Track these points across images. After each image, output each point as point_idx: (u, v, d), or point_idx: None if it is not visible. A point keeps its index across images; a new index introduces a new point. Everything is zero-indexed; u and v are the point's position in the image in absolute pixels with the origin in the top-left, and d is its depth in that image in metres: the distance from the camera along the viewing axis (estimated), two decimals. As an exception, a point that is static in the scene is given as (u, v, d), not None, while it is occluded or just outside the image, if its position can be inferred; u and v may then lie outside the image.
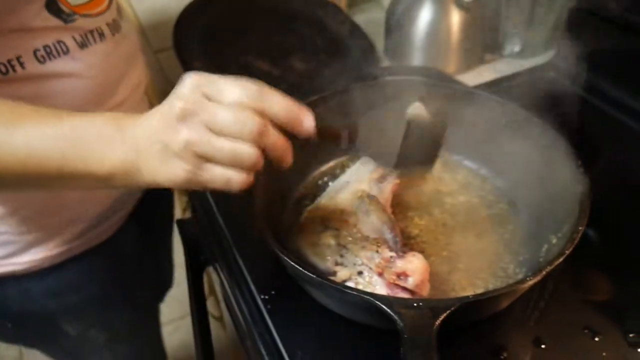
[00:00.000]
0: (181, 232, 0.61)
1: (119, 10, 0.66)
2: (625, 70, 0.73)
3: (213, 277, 0.63)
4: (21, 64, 0.54)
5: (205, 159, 0.39)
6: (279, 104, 0.40)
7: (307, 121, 0.41)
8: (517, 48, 0.89)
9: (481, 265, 0.51)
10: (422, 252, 0.52)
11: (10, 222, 0.60)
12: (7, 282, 0.64)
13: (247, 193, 0.42)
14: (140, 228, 0.74)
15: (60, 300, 0.68)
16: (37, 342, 0.76)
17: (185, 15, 0.87)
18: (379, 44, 0.93)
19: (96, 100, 0.58)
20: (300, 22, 0.94)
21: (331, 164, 0.64)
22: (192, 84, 0.39)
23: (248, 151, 0.38)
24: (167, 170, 0.40)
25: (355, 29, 0.93)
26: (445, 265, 0.51)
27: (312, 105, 0.59)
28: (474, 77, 0.84)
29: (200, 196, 0.62)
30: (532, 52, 0.89)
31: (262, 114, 0.39)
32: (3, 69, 0.52)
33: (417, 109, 0.61)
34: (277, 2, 0.97)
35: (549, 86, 0.79)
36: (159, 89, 0.92)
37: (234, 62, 0.85)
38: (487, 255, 0.53)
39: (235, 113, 0.38)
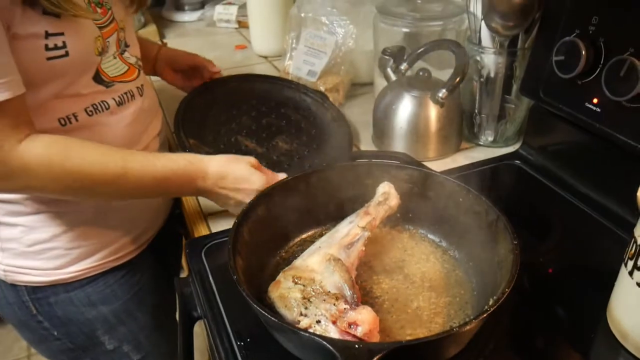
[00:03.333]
0: (177, 288, 0.70)
1: (145, 78, 0.89)
2: (579, 162, 0.83)
3: (202, 331, 0.71)
4: (75, 118, 0.76)
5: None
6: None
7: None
8: (490, 138, 1.01)
9: (436, 322, 0.59)
10: (382, 309, 0.60)
11: (63, 239, 0.81)
12: (56, 290, 0.84)
13: (232, 253, 0.54)
14: (156, 260, 0.97)
15: (97, 309, 0.88)
16: (79, 355, 0.92)
17: (189, 98, 1.02)
18: (370, 131, 1.05)
19: (126, 146, 0.77)
20: (289, 107, 1.09)
21: (310, 232, 0.74)
22: (259, 176, 0.75)
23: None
24: (224, 204, 0.77)
25: (339, 116, 1.06)
26: (403, 321, 0.60)
27: (295, 181, 0.71)
28: (449, 163, 0.96)
29: (195, 259, 0.72)
30: (505, 142, 1.01)
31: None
32: (62, 122, 0.74)
33: (386, 187, 0.72)
34: (270, 89, 1.12)
35: (511, 172, 0.90)
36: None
37: (225, 140, 0.98)
38: (442, 314, 0.61)
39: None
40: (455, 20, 1.06)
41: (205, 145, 0.94)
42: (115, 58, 0.82)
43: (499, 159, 0.95)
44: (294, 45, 1.21)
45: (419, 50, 0.99)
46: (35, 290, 0.84)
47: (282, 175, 0.77)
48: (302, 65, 1.18)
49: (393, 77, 1.01)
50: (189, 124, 0.96)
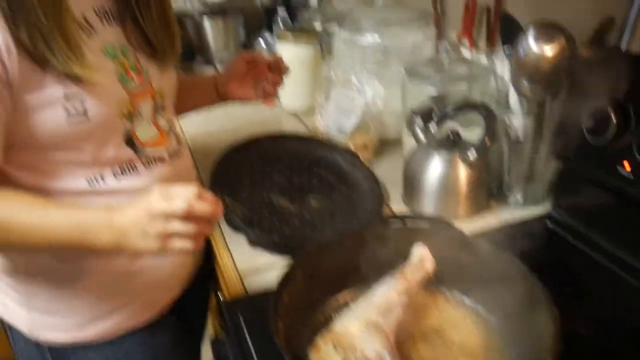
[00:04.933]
0: (214, 350, 0.72)
1: (178, 139, 0.91)
2: (612, 224, 0.84)
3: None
4: (103, 179, 0.78)
5: (168, 236, 0.64)
6: (205, 201, 0.65)
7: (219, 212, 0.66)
8: (520, 198, 1.02)
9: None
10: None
11: (86, 299, 0.83)
12: (76, 350, 0.86)
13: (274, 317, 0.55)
14: (178, 320, 0.95)
15: None
16: None
17: (224, 156, 1.05)
18: (399, 189, 1.07)
19: None
20: (321, 166, 1.12)
21: (346, 294, 0.75)
22: (158, 193, 0.64)
23: (187, 226, 0.63)
24: (145, 246, 0.65)
25: (369, 175, 1.08)
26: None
27: (330, 246, 0.73)
28: (479, 223, 0.97)
29: (233, 321, 0.73)
30: (534, 201, 1.02)
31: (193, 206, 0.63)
32: (90, 181, 0.77)
33: (421, 250, 0.73)
34: (302, 147, 1.15)
35: (543, 234, 0.91)
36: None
37: (259, 198, 1.01)
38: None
39: (178, 204, 0.63)
40: (481, 82, 1.10)
41: (239, 203, 0.97)
42: (148, 122, 0.84)
43: (530, 221, 0.96)
44: (324, 104, 1.25)
45: (448, 112, 1.01)
46: (56, 349, 0.85)
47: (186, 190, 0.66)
48: (332, 123, 1.21)
49: (422, 137, 1.04)
50: (224, 181, 0.99)
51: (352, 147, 1.17)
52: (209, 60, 1.93)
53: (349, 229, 0.95)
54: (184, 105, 0.97)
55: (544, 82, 0.86)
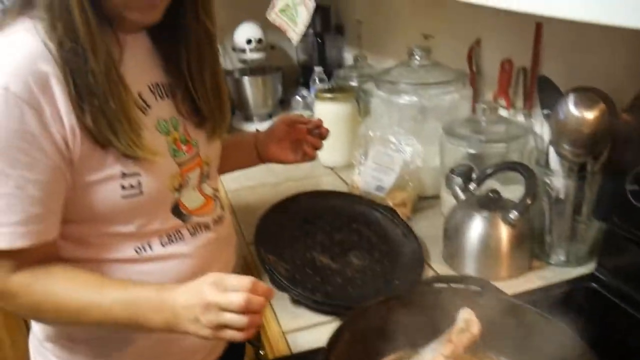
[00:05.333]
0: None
1: (222, 204, 0.92)
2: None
3: None
4: (150, 247, 0.80)
5: (220, 327, 0.65)
6: (259, 293, 0.66)
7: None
8: (562, 257, 1.02)
9: None
10: None
11: None
12: None
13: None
14: None
15: None
16: None
17: (266, 215, 1.08)
18: (440, 246, 1.08)
19: (193, 277, 0.73)
20: (360, 223, 1.13)
21: (392, 357, 0.75)
22: (212, 283, 0.66)
23: (241, 319, 0.65)
24: (196, 330, 0.67)
25: (409, 232, 1.09)
26: None
27: (375, 308, 0.74)
28: (522, 284, 0.97)
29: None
30: (577, 261, 1.02)
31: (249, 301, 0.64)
32: (138, 250, 0.79)
33: (467, 314, 0.74)
34: (341, 204, 1.17)
35: (588, 296, 0.90)
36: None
37: (302, 256, 1.03)
38: None
39: (234, 298, 0.64)
40: (519, 142, 1.11)
41: (283, 262, 0.99)
42: (194, 190, 0.85)
43: (574, 281, 0.95)
44: (362, 161, 1.28)
45: (488, 172, 1.03)
46: None
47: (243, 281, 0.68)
48: (370, 180, 1.24)
49: (462, 196, 1.06)
50: (267, 239, 1.02)
51: (390, 204, 1.19)
52: (248, 117, 1.99)
53: (391, 288, 0.96)
54: (224, 165, 0.98)
55: (584, 146, 0.88)
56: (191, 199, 0.84)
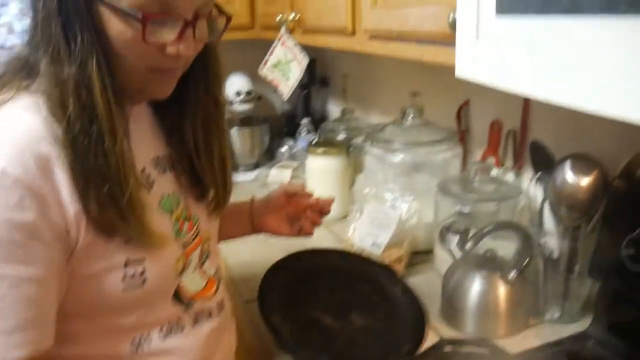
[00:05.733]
0: None
1: (221, 281, 0.87)
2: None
3: None
4: (149, 340, 0.73)
5: None
6: None
7: None
8: (556, 314, 1.05)
9: None
10: None
11: None
12: None
13: None
14: None
15: None
16: None
17: (268, 275, 1.08)
18: (436, 303, 1.10)
19: None
20: (360, 281, 1.14)
21: None
22: None
23: None
24: None
25: (408, 291, 1.11)
26: None
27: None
28: (521, 342, 0.99)
29: None
30: (571, 317, 1.05)
31: None
32: (134, 345, 0.72)
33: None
34: (341, 263, 1.19)
35: (587, 353, 0.93)
36: (248, 342, 1.07)
37: (305, 316, 1.03)
38: None
39: None
40: (510, 201, 1.16)
41: (287, 322, 0.99)
42: (195, 271, 0.79)
43: (571, 339, 0.98)
44: (357, 217, 1.30)
45: (485, 231, 1.06)
46: None
47: None
48: (365, 237, 1.26)
49: (458, 254, 1.09)
50: (270, 300, 1.02)
51: (386, 261, 1.21)
52: (233, 167, 2.00)
53: (395, 349, 0.97)
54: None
55: (581, 210, 0.92)
56: (193, 282, 0.78)
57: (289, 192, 1.05)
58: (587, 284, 1.03)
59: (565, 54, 0.53)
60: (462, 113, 1.38)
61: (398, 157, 1.30)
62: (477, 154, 1.36)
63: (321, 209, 1.05)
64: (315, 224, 1.06)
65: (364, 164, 1.54)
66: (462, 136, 1.37)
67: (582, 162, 0.91)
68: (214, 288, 0.83)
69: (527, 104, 1.18)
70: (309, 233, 1.07)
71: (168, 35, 0.64)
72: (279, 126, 2.21)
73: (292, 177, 1.83)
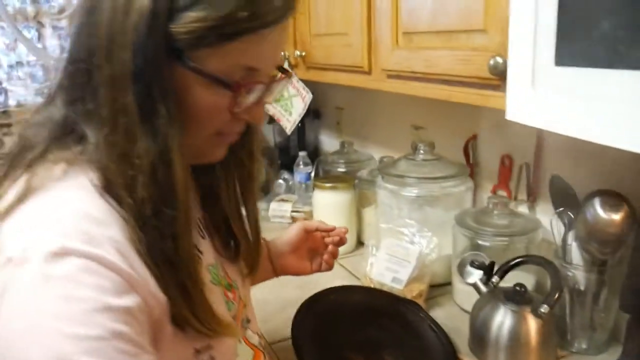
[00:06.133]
0: None
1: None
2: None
3: None
4: None
5: None
6: None
7: None
8: (584, 346, 1.07)
9: None
10: None
11: None
12: None
13: None
14: None
15: None
16: None
17: (297, 316, 1.07)
18: (461, 337, 1.10)
19: None
20: (386, 318, 1.14)
21: None
22: None
23: None
24: None
25: (436, 325, 1.12)
26: None
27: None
28: (554, 375, 1.00)
29: None
30: (597, 349, 1.07)
31: None
32: None
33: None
34: (366, 299, 1.19)
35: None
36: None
37: (337, 356, 1.03)
38: None
39: None
40: (528, 235, 1.18)
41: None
42: (240, 342, 0.74)
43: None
44: (374, 252, 1.30)
45: (511, 264, 1.08)
46: None
47: None
48: (385, 272, 1.26)
49: (484, 288, 1.10)
50: (302, 343, 1.01)
51: (408, 296, 1.21)
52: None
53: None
54: None
55: (611, 245, 0.95)
56: (243, 355, 0.74)
57: (309, 228, 1.02)
58: (612, 315, 1.06)
59: (620, 103, 0.57)
60: (469, 147, 1.41)
61: (413, 192, 1.31)
62: (487, 187, 1.39)
63: (339, 241, 1.03)
64: (335, 256, 1.04)
65: (372, 197, 1.56)
66: (472, 172, 1.40)
67: (611, 198, 0.94)
68: (261, 356, 0.79)
69: (540, 139, 1.21)
70: (331, 267, 1.04)
71: (250, 101, 0.60)
72: (272, 159, 2.20)
73: (293, 211, 1.82)
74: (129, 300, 0.50)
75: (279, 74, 0.67)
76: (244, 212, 0.78)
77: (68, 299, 0.47)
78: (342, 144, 1.87)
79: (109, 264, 0.50)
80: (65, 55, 0.58)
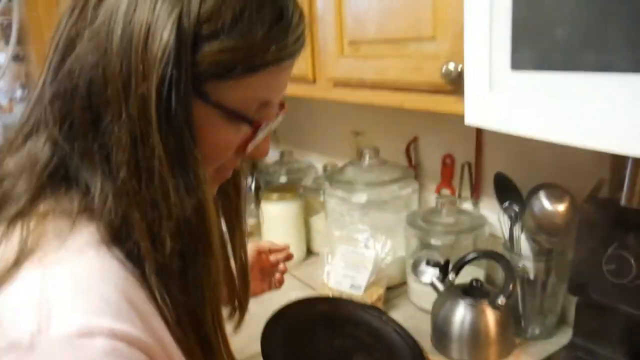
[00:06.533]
0: None
1: None
2: (629, 345, 0.96)
3: None
4: None
5: None
6: None
7: None
8: (537, 331, 1.13)
9: None
10: None
11: None
12: None
13: None
14: None
15: None
16: None
17: (265, 332, 1.06)
18: (423, 335, 1.13)
19: None
20: (351, 326, 1.15)
21: None
22: None
23: None
24: None
25: (399, 328, 1.14)
26: None
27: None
28: (514, 363, 1.05)
29: None
30: (549, 332, 1.14)
31: None
32: None
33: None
34: (329, 309, 1.19)
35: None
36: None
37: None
38: None
39: None
40: (475, 231, 1.24)
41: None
42: None
43: (562, 353, 1.06)
44: (329, 261, 1.31)
45: (466, 260, 1.13)
46: None
47: None
48: (342, 279, 1.27)
49: (441, 286, 1.14)
50: (274, 357, 0.99)
51: (369, 301, 1.23)
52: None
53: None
54: None
55: (558, 234, 1.02)
56: None
57: (262, 249, 1.03)
58: (560, 300, 1.13)
59: (574, 103, 0.61)
60: (410, 149, 1.46)
61: (363, 198, 1.33)
62: (431, 187, 1.43)
63: (287, 257, 1.06)
64: (284, 272, 1.07)
65: (318, 205, 1.57)
66: (415, 171, 1.44)
67: (555, 190, 1.01)
68: None
69: (479, 138, 1.27)
70: (282, 283, 1.07)
71: (261, 138, 0.57)
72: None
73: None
74: None
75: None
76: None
77: None
78: (282, 154, 1.86)
79: (135, 341, 0.44)
80: (48, 87, 0.50)
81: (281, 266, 1.05)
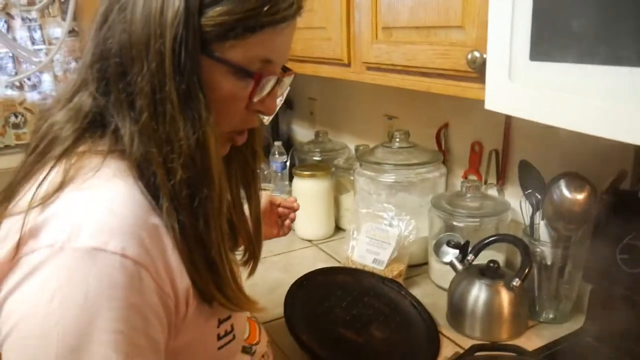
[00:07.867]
0: None
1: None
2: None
3: None
4: None
5: None
6: None
7: None
8: (551, 315, 1.17)
9: None
10: None
11: None
12: None
13: None
14: None
15: None
16: None
17: (288, 297, 1.13)
18: (439, 311, 1.19)
19: None
20: (371, 296, 1.21)
21: None
22: None
23: None
24: None
25: (416, 302, 1.20)
26: None
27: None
28: (525, 342, 1.10)
29: None
30: (563, 318, 1.17)
31: None
32: None
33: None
34: (350, 280, 1.26)
35: (586, 349, 1.04)
36: None
37: (329, 332, 1.10)
38: None
39: None
40: (498, 215, 1.27)
41: (315, 341, 1.04)
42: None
43: (572, 337, 1.09)
44: (354, 236, 1.37)
45: (485, 242, 1.17)
46: None
47: None
48: (365, 254, 1.33)
49: (459, 266, 1.18)
50: (295, 321, 1.07)
51: (389, 276, 1.29)
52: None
53: (416, 356, 1.05)
54: None
55: (576, 222, 1.05)
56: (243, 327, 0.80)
57: (274, 201, 1.15)
58: (576, 287, 1.16)
59: (588, 94, 0.64)
60: (441, 135, 1.49)
61: (391, 178, 1.38)
62: (459, 173, 1.47)
63: (294, 207, 1.17)
64: (293, 220, 1.18)
65: (348, 184, 1.62)
66: (444, 156, 1.48)
67: (575, 179, 1.03)
68: (257, 329, 0.88)
69: (508, 126, 1.30)
70: (290, 229, 1.19)
71: (267, 90, 0.65)
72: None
73: (270, 199, 1.86)
74: (155, 299, 0.55)
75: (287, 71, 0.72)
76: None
77: (100, 293, 0.51)
78: (317, 134, 1.92)
79: (142, 261, 0.54)
80: (89, 53, 0.62)
81: (291, 215, 1.17)
